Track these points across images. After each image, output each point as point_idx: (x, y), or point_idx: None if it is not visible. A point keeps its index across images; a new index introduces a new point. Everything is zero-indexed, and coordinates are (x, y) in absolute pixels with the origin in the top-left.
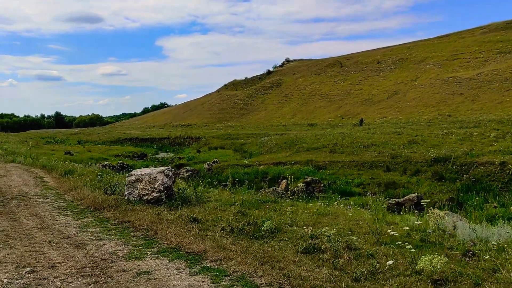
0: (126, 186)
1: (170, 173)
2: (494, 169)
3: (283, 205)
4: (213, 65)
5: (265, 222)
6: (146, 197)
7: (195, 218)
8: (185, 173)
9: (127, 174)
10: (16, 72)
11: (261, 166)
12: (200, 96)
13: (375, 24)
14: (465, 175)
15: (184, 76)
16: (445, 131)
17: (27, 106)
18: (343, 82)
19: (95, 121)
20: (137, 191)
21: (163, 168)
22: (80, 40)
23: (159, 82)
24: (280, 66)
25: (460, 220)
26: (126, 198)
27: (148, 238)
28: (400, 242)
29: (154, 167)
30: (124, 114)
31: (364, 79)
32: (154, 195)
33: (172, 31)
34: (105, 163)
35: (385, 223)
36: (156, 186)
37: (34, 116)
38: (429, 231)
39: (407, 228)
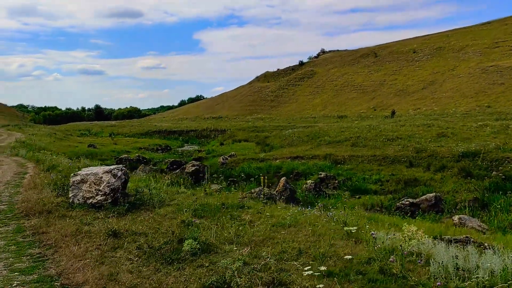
0: (71, 187)
1: (119, 173)
2: None
3: (249, 211)
4: (250, 57)
5: (186, 241)
6: (90, 201)
7: (114, 232)
8: (190, 167)
9: (72, 174)
10: (60, 66)
11: (277, 161)
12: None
13: (416, 14)
14: (494, 172)
15: (221, 70)
16: (479, 123)
17: (70, 100)
18: (377, 72)
19: (133, 113)
20: (81, 194)
21: (112, 167)
22: (121, 34)
23: (197, 75)
24: (315, 57)
25: (479, 226)
26: (70, 201)
27: (40, 259)
28: (351, 274)
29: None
30: (162, 107)
31: (399, 69)
32: (99, 199)
33: (210, 24)
34: (124, 156)
35: (353, 240)
36: (101, 188)
37: (75, 109)
38: (391, 259)
39: (390, 243)
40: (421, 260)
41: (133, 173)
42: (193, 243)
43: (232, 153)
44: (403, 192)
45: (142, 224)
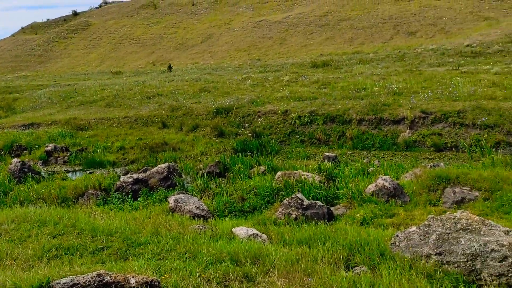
0: None
1: None
2: (276, 119)
3: None
4: (27, 7)
5: None
6: None
7: None
8: None
9: None
10: None
11: (5, 130)
12: None
13: None
14: (240, 130)
15: None
16: (243, 76)
17: None
18: (157, 25)
19: None
20: None
21: None
22: None
23: None
24: (97, 8)
25: (197, 208)
26: None
27: None
28: None
29: None
30: None
31: (178, 22)
32: None
33: None
34: None
35: None
36: None
37: None
38: None
39: None
40: None
41: None
42: None
43: None
44: (144, 161)
45: None
